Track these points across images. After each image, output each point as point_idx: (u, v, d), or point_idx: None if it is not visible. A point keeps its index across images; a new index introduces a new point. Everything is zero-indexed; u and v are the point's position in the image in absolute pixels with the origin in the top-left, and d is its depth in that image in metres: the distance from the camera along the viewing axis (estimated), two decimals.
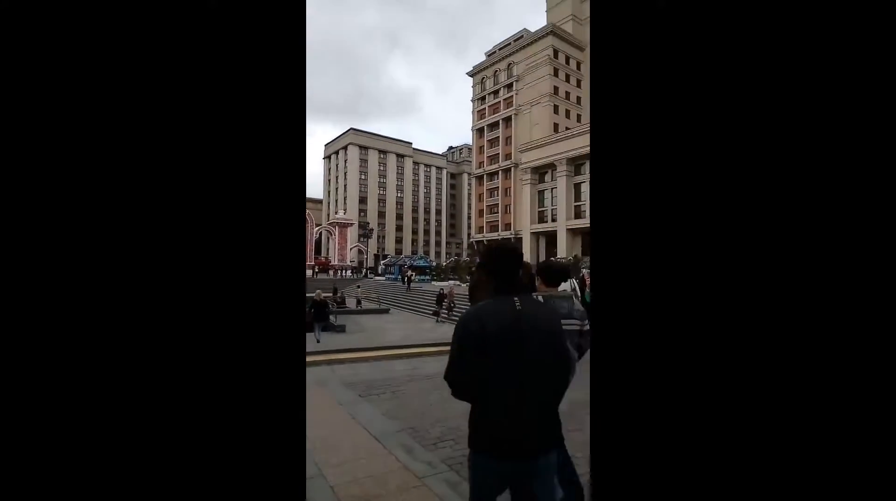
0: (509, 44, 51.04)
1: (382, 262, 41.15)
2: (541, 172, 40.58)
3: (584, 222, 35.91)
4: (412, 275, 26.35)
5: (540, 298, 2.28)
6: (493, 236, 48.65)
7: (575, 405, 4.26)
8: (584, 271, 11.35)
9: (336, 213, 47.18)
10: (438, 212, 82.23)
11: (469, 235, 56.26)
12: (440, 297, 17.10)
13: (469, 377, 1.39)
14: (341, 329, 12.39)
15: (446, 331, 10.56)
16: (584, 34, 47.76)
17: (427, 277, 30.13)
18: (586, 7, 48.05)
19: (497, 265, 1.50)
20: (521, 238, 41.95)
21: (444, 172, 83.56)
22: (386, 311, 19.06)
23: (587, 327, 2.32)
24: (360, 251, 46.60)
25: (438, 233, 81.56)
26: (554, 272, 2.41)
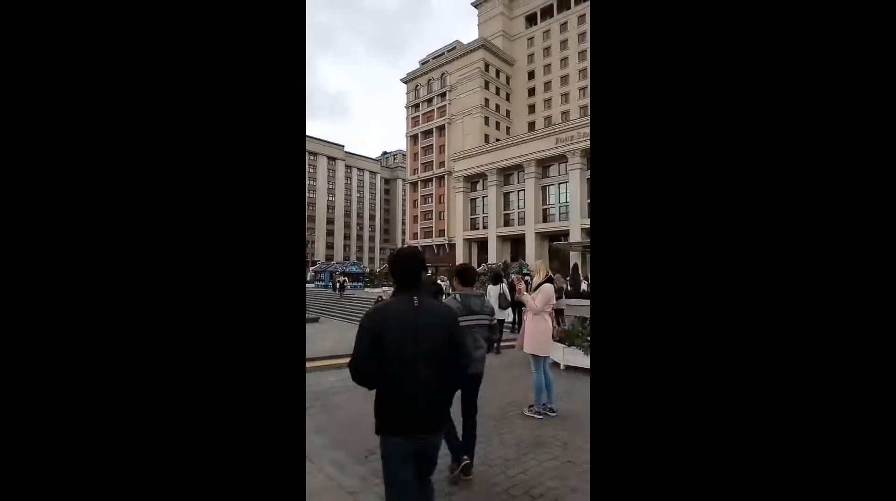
0: (443, 54, 52.03)
1: (311, 268, 39.41)
2: (473, 181, 41.69)
3: (512, 230, 37.48)
4: (345, 281, 25.52)
5: (457, 296, 2.69)
6: (428, 242, 48.90)
7: (509, 407, 4.37)
8: (513, 275, 11.83)
9: None
10: (372, 217, 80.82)
11: (403, 241, 56.01)
12: (378, 302, 16.74)
13: (369, 365, 1.55)
14: None
15: None
16: (513, 50, 50.20)
17: (360, 283, 29.37)
18: (515, 24, 50.62)
19: (401, 268, 1.70)
20: (454, 244, 42.65)
21: (378, 177, 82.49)
22: (315, 319, 18.20)
23: (496, 321, 2.85)
24: None
25: (372, 239, 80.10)
26: (469, 275, 2.87)
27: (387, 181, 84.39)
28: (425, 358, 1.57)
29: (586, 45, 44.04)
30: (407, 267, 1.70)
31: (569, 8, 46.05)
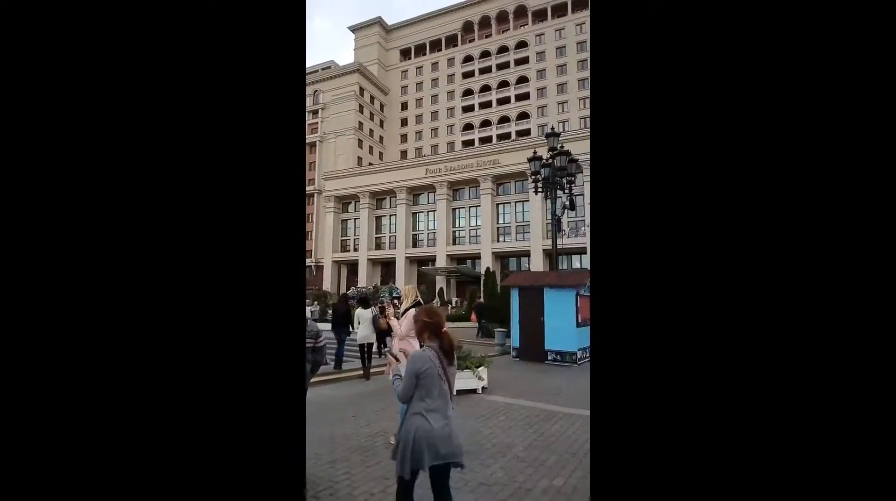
0: (317, 71, 50.63)
1: None
2: (345, 202, 40.74)
3: (383, 253, 37.58)
4: None
5: None
6: None
7: (375, 437, 4.23)
8: (383, 299, 11.77)
9: None
10: None
11: None
12: None
13: None
14: None
15: None
16: (388, 79, 51.71)
17: None
18: (390, 55, 52.42)
19: None
20: (322, 266, 40.60)
21: None
22: None
23: (320, 343, 2.94)
24: None
25: None
26: None
27: None
28: None
29: (455, 85, 48.04)
30: None
31: (440, 50, 49.80)
